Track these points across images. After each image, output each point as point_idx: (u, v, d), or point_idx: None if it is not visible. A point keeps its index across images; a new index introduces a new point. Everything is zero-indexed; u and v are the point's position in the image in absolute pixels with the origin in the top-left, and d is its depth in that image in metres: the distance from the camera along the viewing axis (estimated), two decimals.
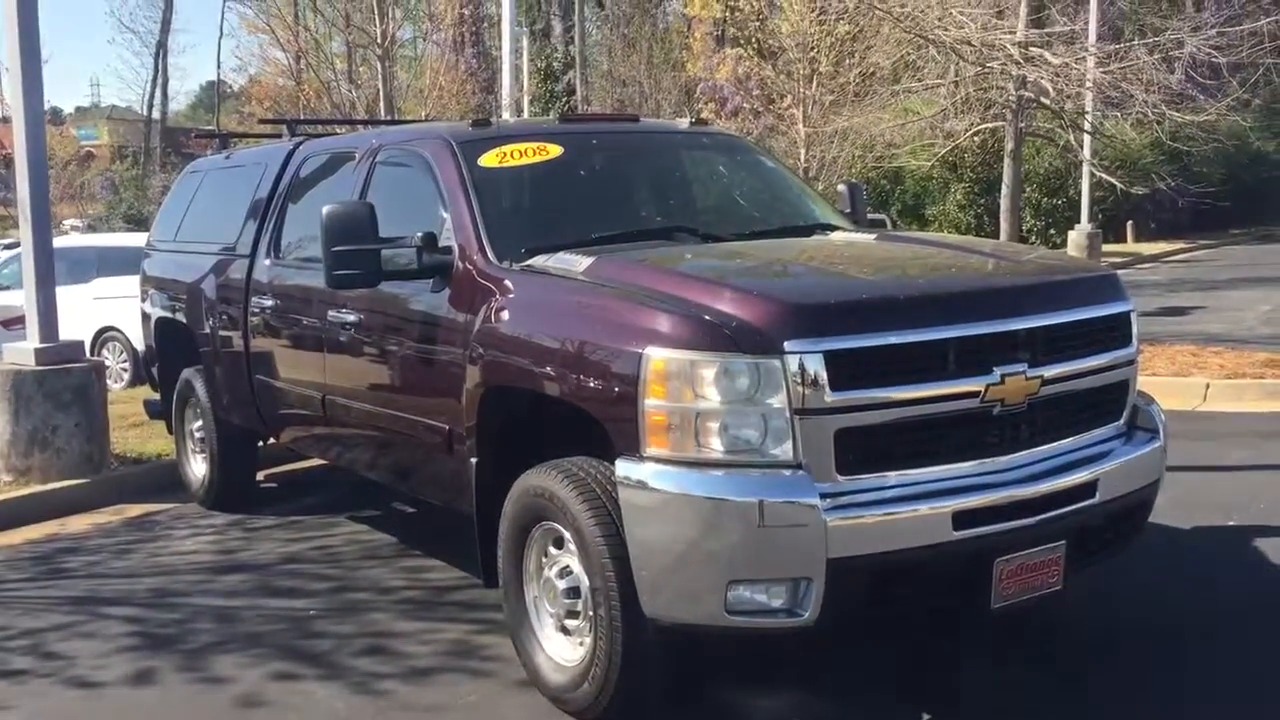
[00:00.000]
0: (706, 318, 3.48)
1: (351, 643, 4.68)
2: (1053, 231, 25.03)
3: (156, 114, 52.22)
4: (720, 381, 3.37)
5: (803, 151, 14.36)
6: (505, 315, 4.16)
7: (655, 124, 7.05)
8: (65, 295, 9.38)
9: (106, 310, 11.87)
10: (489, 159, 4.80)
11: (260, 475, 7.26)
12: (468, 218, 4.55)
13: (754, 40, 16.74)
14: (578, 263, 4.11)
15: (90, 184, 42.57)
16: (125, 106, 58.55)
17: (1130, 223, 27.04)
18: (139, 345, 8.40)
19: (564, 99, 30.15)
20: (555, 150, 4.95)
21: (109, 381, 11.19)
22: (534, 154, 4.90)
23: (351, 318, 5.05)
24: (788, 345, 3.35)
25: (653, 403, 3.45)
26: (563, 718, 3.90)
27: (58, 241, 13.10)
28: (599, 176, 5.19)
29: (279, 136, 7.05)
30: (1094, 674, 4.16)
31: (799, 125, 14.44)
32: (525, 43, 22.42)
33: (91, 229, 30.81)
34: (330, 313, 5.19)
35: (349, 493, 6.92)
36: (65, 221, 34.12)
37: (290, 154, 6.26)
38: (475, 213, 4.56)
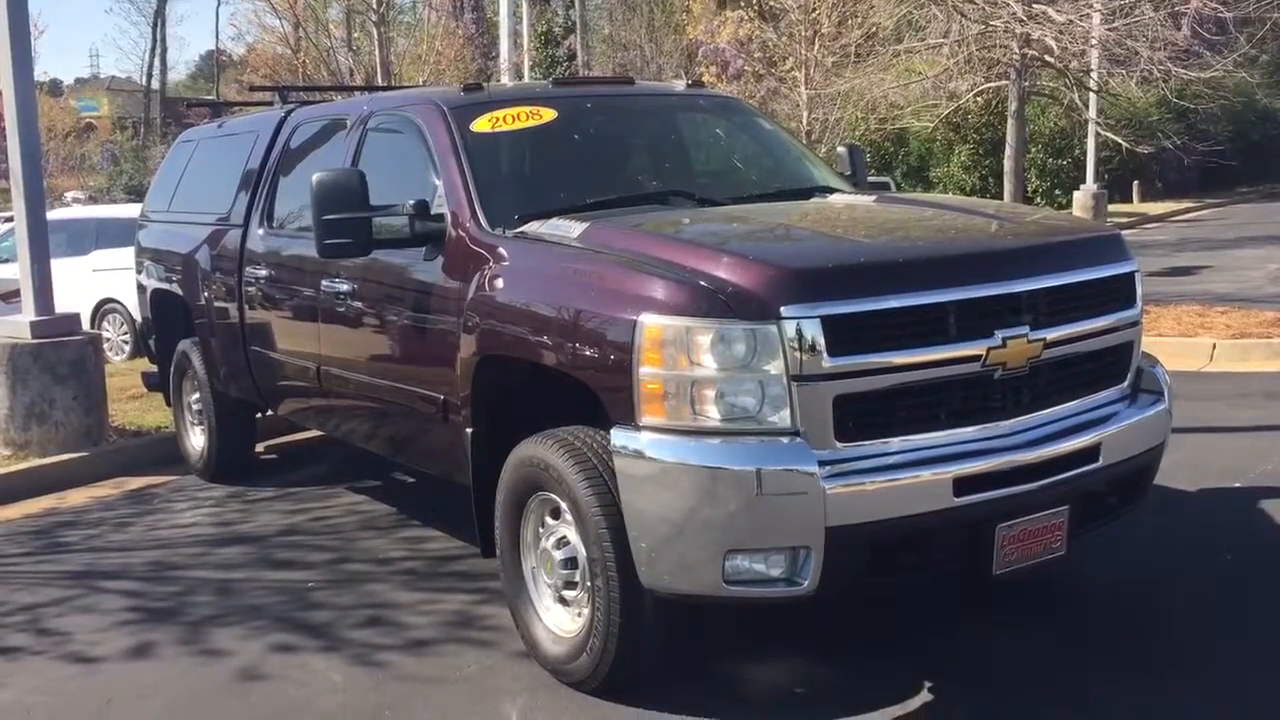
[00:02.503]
0: (702, 283, 3.41)
1: (351, 614, 4.66)
2: (1058, 192, 24.87)
3: (156, 84, 52.12)
4: (716, 348, 3.31)
5: (805, 114, 14.21)
6: (499, 283, 4.09)
7: (650, 86, 6.93)
8: (64, 267, 9.37)
9: (106, 282, 11.83)
10: (481, 124, 4.73)
11: (259, 446, 7.25)
12: (460, 184, 4.48)
13: (755, 2, 16.54)
14: (572, 229, 4.04)
15: (91, 155, 42.55)
16: (125, 77, 58.43)
17: (1136, 182, 26.86)
18: (139, 317, 8.38)
19: (565, 64, 29.87)
20: (548, 114, 4.87)
21: (110, 354, 11.20)
22: (527, 118, 4.82)
23: (345, 287, 4.99)
24: (784, 310, 3.29)
25: (648, 370, 3.40)
26: (562, 688, 3.87)
27: (56, 213, 13.12)
28: (593, 140, 5.10)
29: (273, 104, 6.97)
30: (1097, 638, 4.13)
31: (801, 88, 14.29)
32: (525, 7, 22.17)
33: (93, 200, 30.77)
34: (324, 283, 5.13)
35: (347, 463, 6.89)
36: (67, 194, 34.15)
37: (281, 122, 6.18)
38: (467, 179, 4.49)
